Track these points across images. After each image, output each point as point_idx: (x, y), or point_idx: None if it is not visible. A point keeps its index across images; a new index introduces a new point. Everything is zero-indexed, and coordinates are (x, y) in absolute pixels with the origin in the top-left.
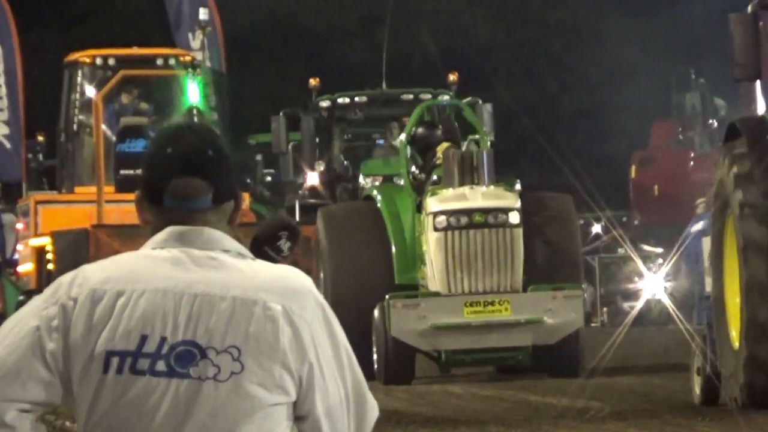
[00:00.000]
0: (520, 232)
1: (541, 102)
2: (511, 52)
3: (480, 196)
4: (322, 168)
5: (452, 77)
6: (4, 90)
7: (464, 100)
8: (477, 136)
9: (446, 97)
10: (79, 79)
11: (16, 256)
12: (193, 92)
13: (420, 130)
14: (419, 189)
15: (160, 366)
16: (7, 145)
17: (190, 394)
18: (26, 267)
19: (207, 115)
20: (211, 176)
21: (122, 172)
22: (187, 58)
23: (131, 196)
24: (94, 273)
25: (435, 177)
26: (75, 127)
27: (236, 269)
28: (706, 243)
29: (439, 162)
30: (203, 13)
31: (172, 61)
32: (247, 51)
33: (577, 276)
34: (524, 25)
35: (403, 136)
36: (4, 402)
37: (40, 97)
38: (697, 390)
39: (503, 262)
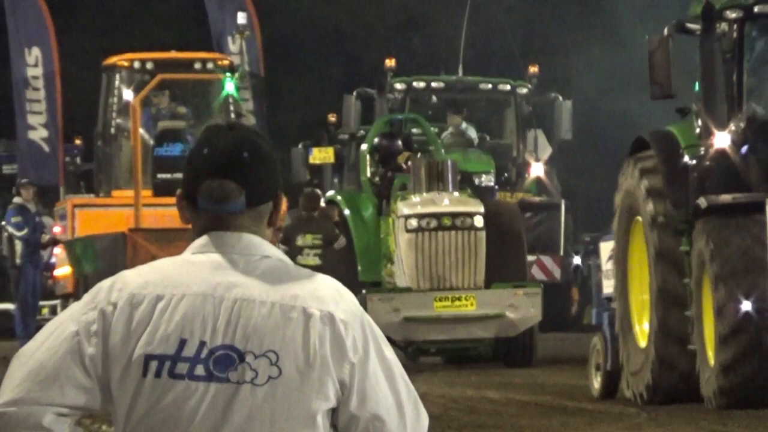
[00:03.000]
0: (483, 234)
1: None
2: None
3: (447, 201)
4: None
5: (532, 69)
6: (42, 93)
7: (543, 96)
8: (432, 147)
9: (524, 90)
10: (117, 82)
11: (53, 260)
12: (229, 84)
13: (381, 140)
14: (380, 194)
15: (199, 370)
16: (46, 148)
17: (228, 398)
18: (63, 270)
19: (241, 102)
20: (243, 178)
21: (159, 175)
22: (225, 62)
23: (168, 200)
24: (133, 278)
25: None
26: (112, 130)
27: (275, 275)
28: (604, 247)
29: (405, 169)
30: (241, 18)
31: (210, 65)
32: (285, 56)
33: (524, 276)
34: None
35: (364, 146)
36: (43, 406)
37: (77, 100)
38: (596, 385)
39: (468, 261)
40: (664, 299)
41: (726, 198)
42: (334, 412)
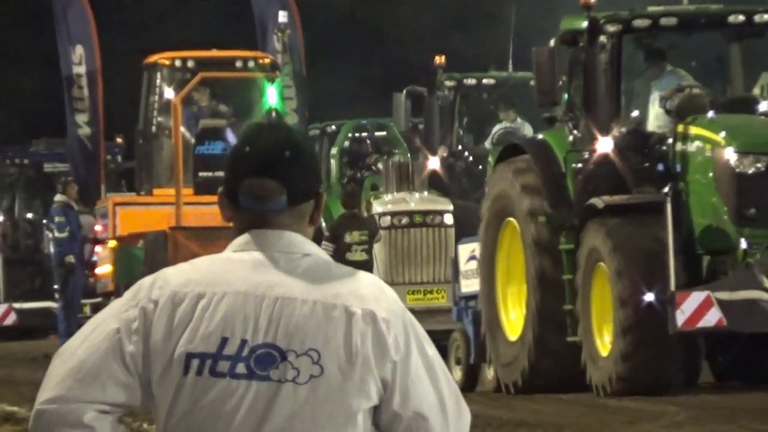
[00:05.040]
0: (452, 231)
1: None
2: None
3: (418, 201)
4: (444, 153)
5: None
6: (85, 92)
7: None
8: (397, 151)
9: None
10: (158, 81)
11: (94, 258)
12: (271, 94)
13: (351, 144)
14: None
15: (240, 368)
16: (89, 146)
17: (269, 396)
18: (104, 269)
19: (285, 114)
20: (284, 177)
21: (201, 174)
22: (266, 61)
23: (209, 198)
24: (174, 276)
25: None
26: (153, 129)
27: (317, 273)
28: (463, 249)
29: (368, 172)
30: (282, 16)
31: (251, 64)
32: (326, 55)
33: None
34: None
35: (334, 149)
36: (84, 403)
37: (117, 99)
38: (456, 377)
39: (439, 256)
40: (542, 286)
41: (626, 198)
42: (375, 411)
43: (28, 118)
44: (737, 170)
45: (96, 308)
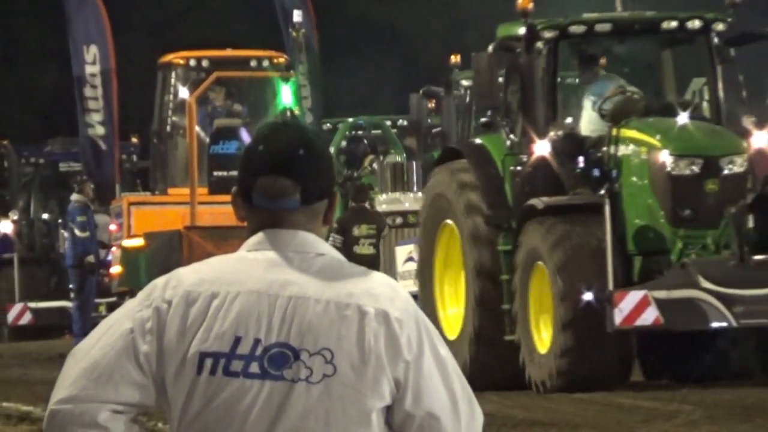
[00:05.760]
0: None
1: None
2: None
3: (413, 201)
4: None
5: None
6: (100, 91)
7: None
8: (393, 150)
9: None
10: (172, 80)
11: (109, 257)
12: (286, 94)
13: (348, 143)
14: (346, 195)
15: (254, 368)
16: (103, 146)
17: (282, 395)
18: (119, 268)
19: (301, 117)
20: (299, 176)
21: (215, 173)
22: (281, 60)
23: (224, 198)
24: (188, 275)
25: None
26: (168, 128)
27: (330, 272)
28: (400, 251)
29: (365, 171)
30: (297, 15)
31: (265, 63)
32: (341, 55)
33: None
34: None
35: (332, 149)
36: (98, 403)
37: (131, 98)
38: None
39: None
40: (481, 276)
41: (565, 199)
42: (388, 411)
43: (43, 118)
44: (672, 173)
45: (112, 307)
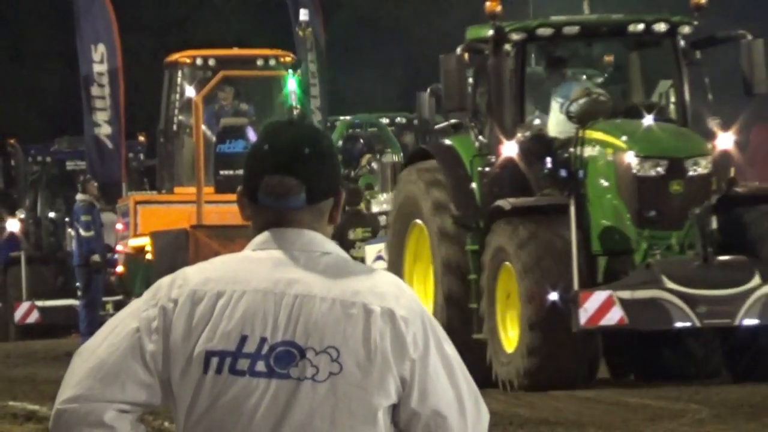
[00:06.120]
0: None
1: None
2: None
3: None
4: None
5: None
6: (107, 90)
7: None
8: (389, 150)
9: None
10: (179, 79)
11: (115, 256)
12: (292, 93)
13: (345, 142)
14: None
15: (260, 366)
16: (110, 145)
17: (289, 394)
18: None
19: (308, 115)
20: (304, 175)
21: (222, 172)
22: (288, 59)
23: (231, 197)
24: (194, 274)
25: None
26: (175, 127)
27: (336, 271)
28: (370, 250)
29: (363, 171)
30: (303, 14)
31: (272, 62)
32: (348, 54)
33: None
34: None
35: None
36: (104, 402)
37: (138, 98)
38: None
39: None
40: (448, 273)
41: (532, 200)
42: (394, 409)
43: (50, 117)
44: (638, 174)
45: (119, 306)
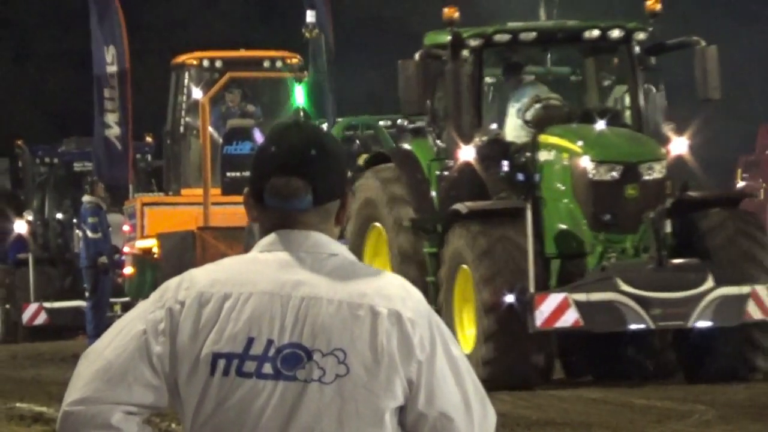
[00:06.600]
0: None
1: None
2: None
3: None
4: None
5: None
6: (116, 92)
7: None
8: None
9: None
10: (185, 81)
11: (123, 258)
12: (299, 94)
13: (342, 143)
14: None
15: (267, 368)
16: (119, 146)
17: (295, 396)
18: (131, 269)
19: (313, 117)
20: (310, 176)
21: (229, 174)
22: (294, 60)
23: (237, 199)
24: (200, 276)
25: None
26: (181, 129)
27: (343, 273)
28: None
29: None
30: (310, 16)
31: (279, 63)
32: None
33: None
34: None
35: None
36: (111, 404)
37: (144, 99)
38: None
39: None
40: (405, 264)
41: (489, 204)
42: (401, 411)
43: (57, 118)
44: (593, 178)
45: (126, 307)
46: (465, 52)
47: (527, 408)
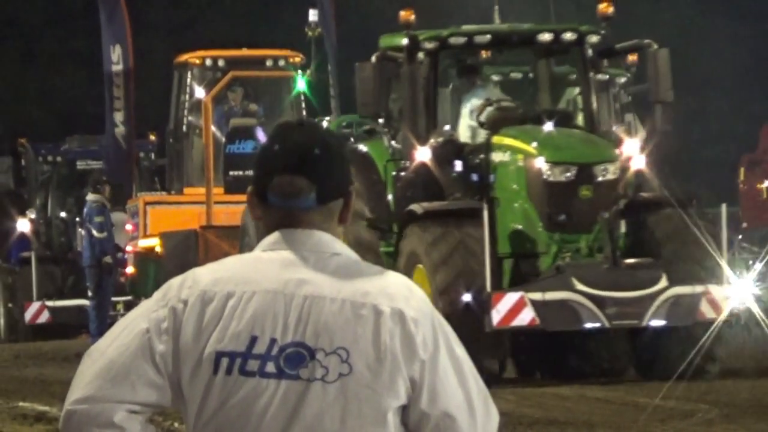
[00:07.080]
0: None
1: None
2: None
3: None
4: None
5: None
6: (122, 91)
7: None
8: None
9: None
10: (188, 80)
11: (126, 256)
12: (301, 82)
13: None
14: None
15: (270, 367)
16: (123, 145)
17: (298, 395)
18: (132, 269)
19: (314, 102)
20: (314, 175)
21: (231, 173)
22: (297, 59)
23: (240, 198)
24: (204, 275)
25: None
26: (184, 128)
27: (346, 272)
28: None
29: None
30: (312, 14)
31: (281, 62)
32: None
33: None
34: None
35: None
36: (114, 403)
37: (147, 98)
38: None
39: None
40: (366, 255)
41: (444, 204)
42: (404, 410)
43: (61, 116)
44: (548, 179)
45: (129, 306)
46: (420, 55)
47: (531, 407)
